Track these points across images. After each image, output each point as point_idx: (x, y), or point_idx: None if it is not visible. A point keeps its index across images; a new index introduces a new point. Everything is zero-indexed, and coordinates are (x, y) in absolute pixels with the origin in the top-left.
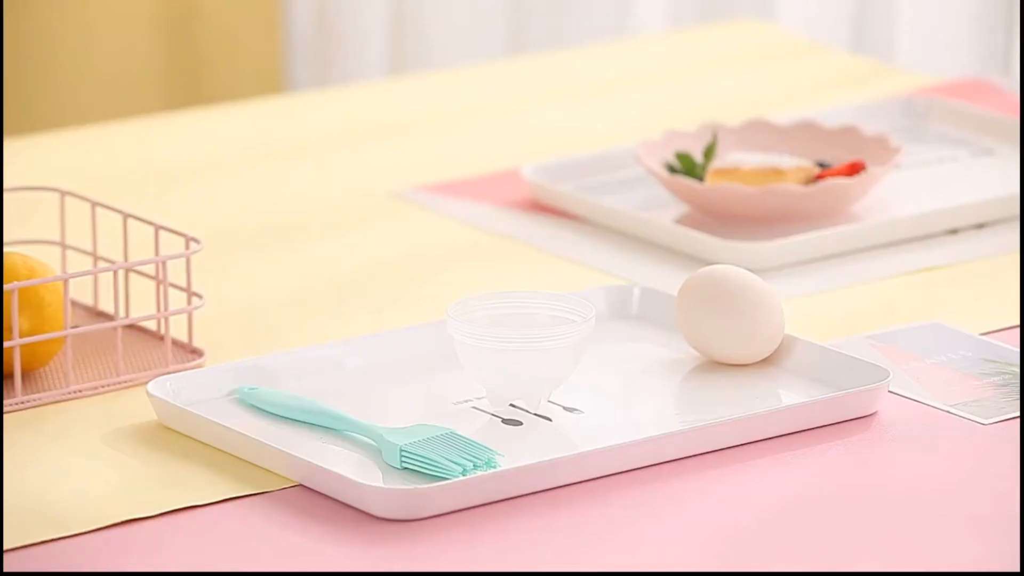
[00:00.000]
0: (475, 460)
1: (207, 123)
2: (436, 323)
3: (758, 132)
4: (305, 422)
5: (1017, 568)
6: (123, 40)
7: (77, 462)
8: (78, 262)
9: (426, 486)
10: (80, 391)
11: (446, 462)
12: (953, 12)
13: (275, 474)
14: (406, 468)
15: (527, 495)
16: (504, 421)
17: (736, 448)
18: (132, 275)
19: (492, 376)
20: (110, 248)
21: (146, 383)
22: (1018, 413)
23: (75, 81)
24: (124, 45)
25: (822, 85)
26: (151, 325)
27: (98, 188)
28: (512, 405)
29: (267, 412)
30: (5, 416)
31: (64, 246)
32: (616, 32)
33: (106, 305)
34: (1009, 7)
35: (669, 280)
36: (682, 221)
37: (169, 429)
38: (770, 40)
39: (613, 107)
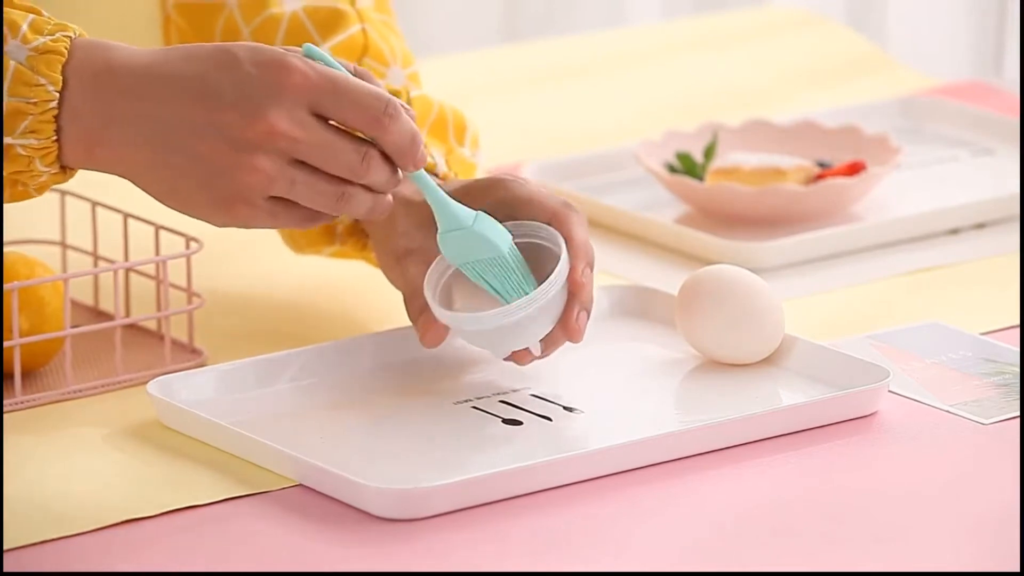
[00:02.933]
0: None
1: None
2: None
3: (758, 132)
4: None
5: (1017, 568)
6: (123, 40)
7: (77, 462)
8: (78, 262)
9: (426, 486)
10: (80, 391)
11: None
12: (944, 14)
13: (275, 474)
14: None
15: (527, 495)
16: (504, 421)
17: (736, 448)
18: (132, 275)
19: (482, 344)
20: (110, 248)
21: (146, 383)
22: (1018, 413)
23: None
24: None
25: (826, 72)
26: (151, 325)
27: (98, 188)
28: (509, 404)
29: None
30: (5, 416)
31: (64, 246)
32: (612, 24)
33: (106, 305)
34: (1000, 10)
35: (669, 280)
36: (682, 221)
37: (169, 429)
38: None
39: (614, 90)
